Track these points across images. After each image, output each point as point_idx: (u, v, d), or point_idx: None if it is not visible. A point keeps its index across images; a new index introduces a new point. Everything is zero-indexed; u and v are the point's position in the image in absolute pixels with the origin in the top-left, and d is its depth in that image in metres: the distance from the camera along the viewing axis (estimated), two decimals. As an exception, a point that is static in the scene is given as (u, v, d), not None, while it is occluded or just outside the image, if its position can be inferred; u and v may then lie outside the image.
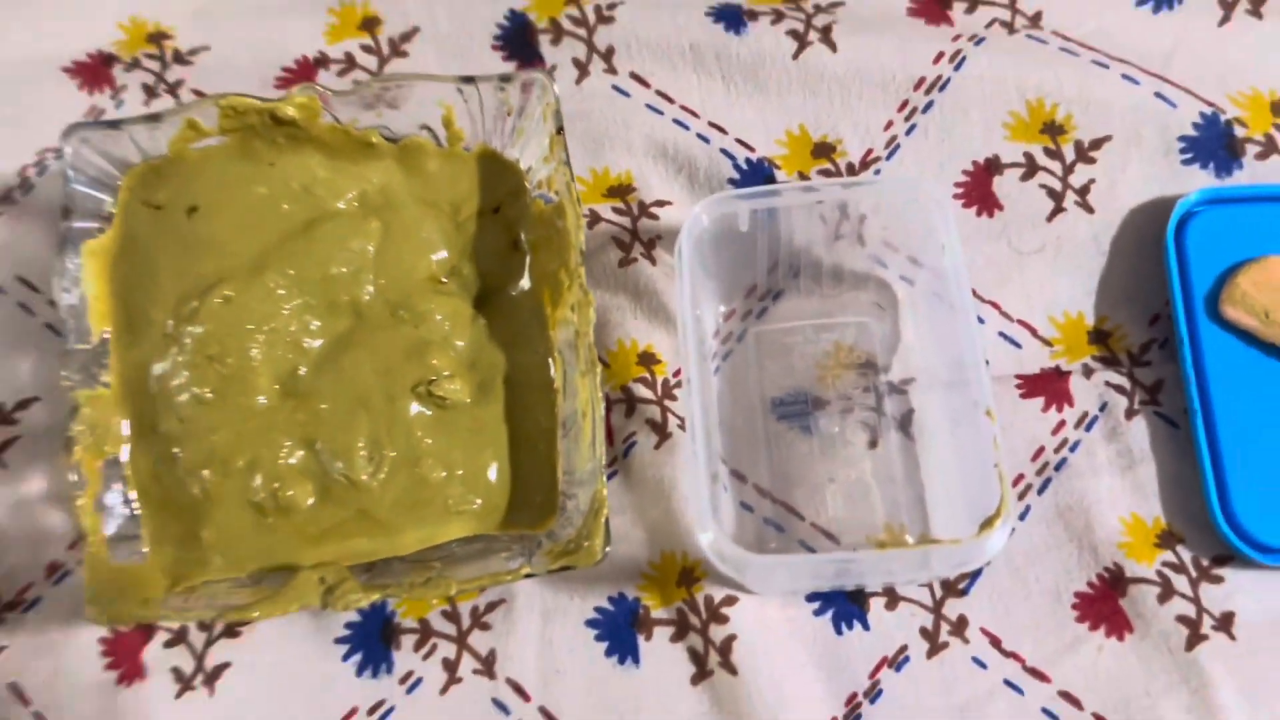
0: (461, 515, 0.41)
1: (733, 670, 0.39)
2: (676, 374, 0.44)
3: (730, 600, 0.40)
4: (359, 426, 0.40)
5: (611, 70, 0.47)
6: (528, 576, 0.37)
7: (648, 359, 0.44)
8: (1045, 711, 0.39)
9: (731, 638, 0.39)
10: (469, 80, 0.41)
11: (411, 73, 0.41)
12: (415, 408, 0.41)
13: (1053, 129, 0.45)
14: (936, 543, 0.36)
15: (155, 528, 0.40)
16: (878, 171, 0.46)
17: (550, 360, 0.41)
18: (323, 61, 0.48)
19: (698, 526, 0.37)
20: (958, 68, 0.46)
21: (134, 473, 0.41)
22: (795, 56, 0.46)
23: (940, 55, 0.46)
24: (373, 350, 0.41)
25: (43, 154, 0.47)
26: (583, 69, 0.47)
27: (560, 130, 0.41)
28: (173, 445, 0.40)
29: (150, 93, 0.48)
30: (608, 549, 0.36)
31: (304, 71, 0.48)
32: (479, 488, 0.41)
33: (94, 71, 0.48)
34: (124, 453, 0.40)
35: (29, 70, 0.48)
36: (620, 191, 0.46)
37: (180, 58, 0.49)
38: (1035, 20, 0.47)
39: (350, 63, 0.48)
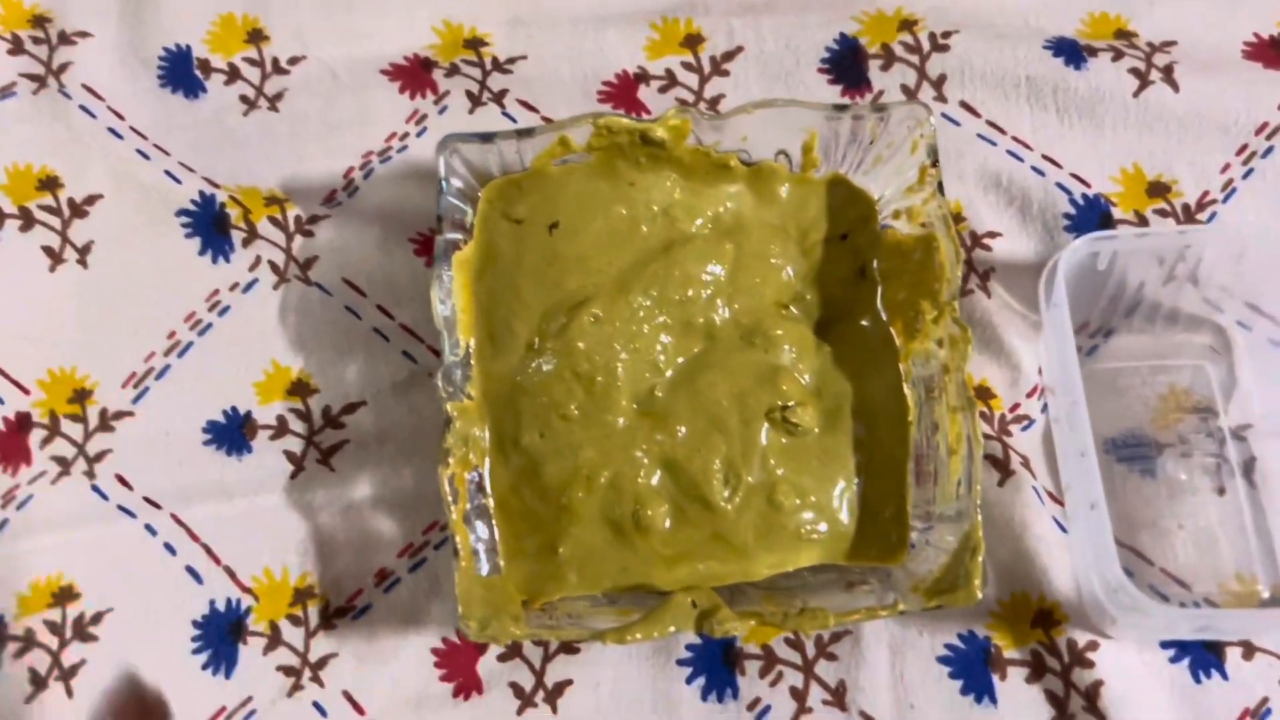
0: (811, 543, 0.40)
1: (1100, 715, 0.39)
2: (1013, 409, 0.44)
3: (1093, 645, 0.40)
4: (715, 449, 0.40)
5: (941, 98, 0.47)
6: (902, 613, 0.36)
7: (983, 393, 0.44)
8: None
9: (1098, 683, 0.39)
10: (843, 108, 0.41)
11: (787, 99, 0.40)
12: (767, 433, 0.41)
13: (1392, 180, 0.45)
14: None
15: (512, 542, 0.40)
16: (1213, 215, 0.45)
17: (903, 392, 0.41)
18: (643, 77, 0.48)
19: (1088, 568, 0.37)
20: (1301, 114, 0.45)
21: (493, 486, 0.41)
22: (1136, 94, 0.46)
23: (1284, 101, 0.45)
24: (726, 373, 0.41)
25: (368, 156, 0.47)
26: (912, 96, 0.47)
27: (935, 163, 0.40)
28: (535, 459, 0.40)
29: (474, 99, 0.48)
30: (984, 592, 0.36)
31: (625, 87, 0.48)
32: (827, 516, 0.41)
33: (414, 75, 0.48)
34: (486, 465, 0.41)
35: (347, 73, 0.48)
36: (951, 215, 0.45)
37: (499, 65, 0.49)
38: (1374, 69, 0.47)
39: (671, 80, 0.48)
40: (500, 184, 0.42)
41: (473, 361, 0.41)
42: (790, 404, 0.41)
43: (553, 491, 0.40)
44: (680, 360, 0.42)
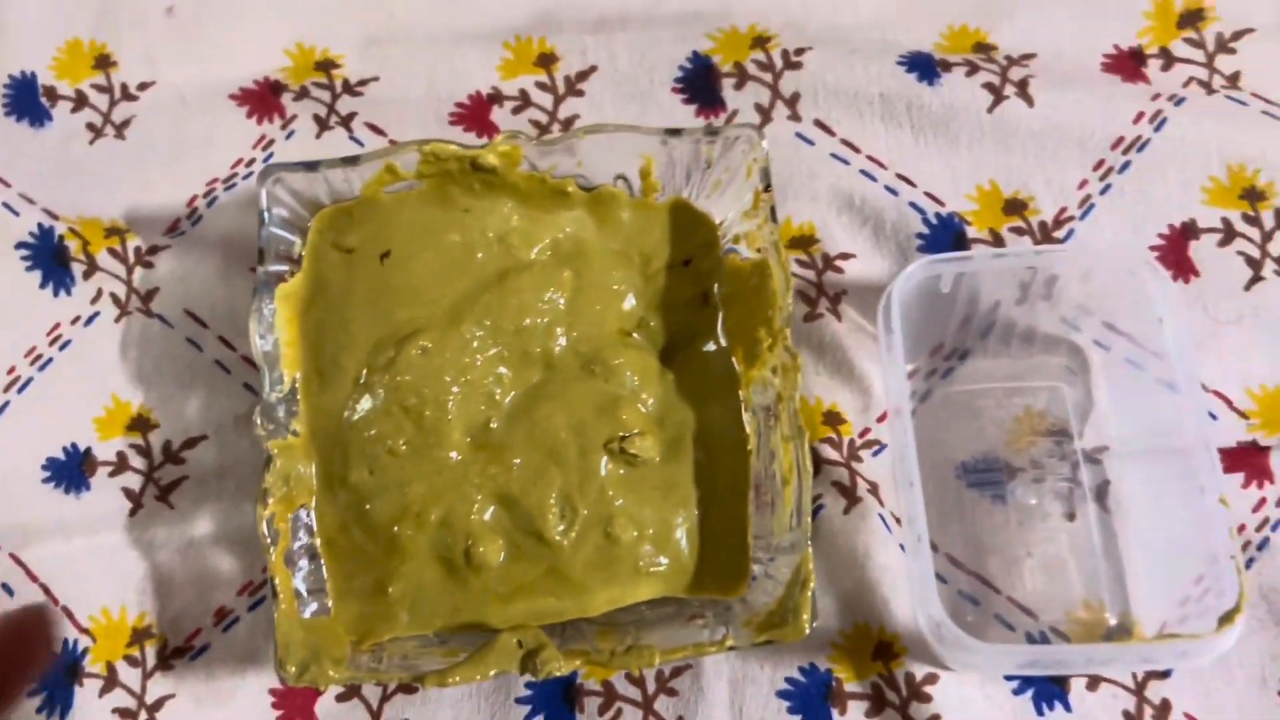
0: (650, 576, 0.40)
1: (936, 750, 0.38)
2: (863, 434, 0.43)
3: (932, 678, 0.39)
4: (551, 482, 0.39)
5: (795, 117, 0.46)
6: (731, 649, 0.36)
7: (833, 418, 0.43)
8: (1254, 803, 0.38)
9: (935, 717, 0.38)
10: (675, 133, 0.40)
11: (618, 123, 0.40)
12: (606, 464, 0.40)
13: (1252, 194, 0.44)
14: (1173, 637, 0.35)
15: (339, 581, 0.40)
16: (1070, 232, 0.44)
17: (742, 419, 0.40)
18: (496, 98, 0.47)
19: (917, 605, 0.36)
20: (1158, 128, 0.44)
21: (320, 524, 0.40)
22: (990, 110, 0.45)
23: (1141, 115, 0.44)
24: (564, 403, 0.40)
25: (212, 184, 0.46)
26: (766, 115, 0.46)
27: (768, 187, 0.40)
28: (363, 496, 0.39)
29: (322, 124, 0.47)
30: (814, 624, 0.35)
31: (478, 108, 0.47)
32: (668, 548, 0.40)
33: (262, 99, 0.48)
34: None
35: (196, 98, 0.48)
36: (803, 243, 0.45)
37: (350, 88, 0.48)
38: (1233, 80, 0.46)
39: (525, 100, 0.47)
40: (330, 213, 0.41)
41: (299, 397, 0.40)
42: (630, 434, 0.40)
43: (382, 529, 0.39)
44: (517, 391, 0.41)
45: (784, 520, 0.38)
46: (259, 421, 0.38)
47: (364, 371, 0.40)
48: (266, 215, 0.40)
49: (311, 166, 0.40)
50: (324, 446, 0.40)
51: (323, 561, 0.40)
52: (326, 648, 0.37)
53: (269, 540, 0.37)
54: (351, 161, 0.40)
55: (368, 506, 0.39)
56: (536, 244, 0.42)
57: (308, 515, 0.40)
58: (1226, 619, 0.34)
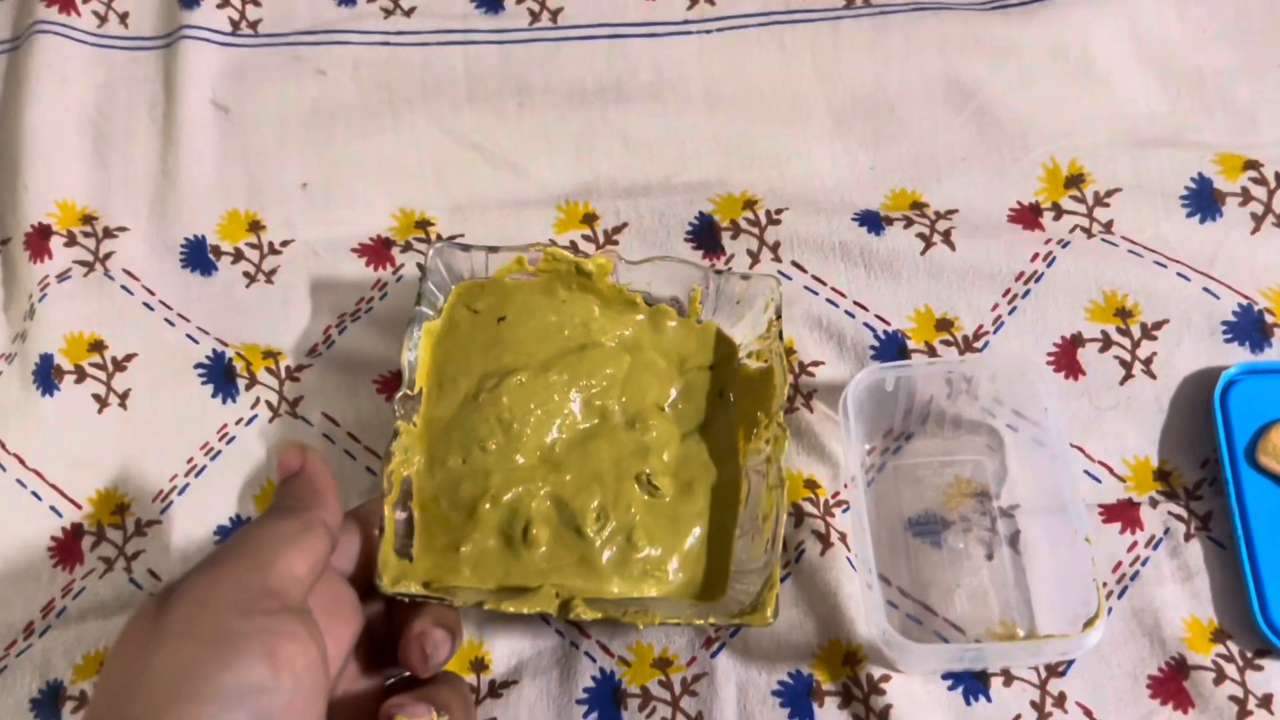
0: (654, 579, 0.52)
1: (890, 731, 0.51)
2: (834, 496, 0.56)
3: (886, 677, 0.52)
4: (594, 495, 0.53)
5: (777, 259, 0.61)
6: (711, 624, 0.48)
7: (811, 485, 0.57)
8: (1128, 769, 0.51)
9: (888, 707, 0.51)
10: (719, 272, 0.55)
11: (681, 257, 0.56)
12: (635, 491, 0.54)
13: (1123, 313, 0.58)
14: (1051, 637, 0.49)
15: (424, 539, 0.52)
16: (987, 343, 0.59)
17: (739, 479, 0.54)
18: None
19: (869, 621, 0.49)
20: (1049, 264, 0.59)
21: (418, 493, 0.53)
22: (923, 253, 0.60)
23: (1036, 255, 0.59)
24: (611, 443, 0.55)
25: (341, 317, 0.61)
26: (755, 258, 0.61)
27: (779, 317, 0.54)
28: (456, 477, 0.53)
29: (424, 270, 0.62)
30: (774, 618, 0.47)
31: (539, 256, 0.62)
32: (670, 560, 0.53)
33: (376, 252, 0.63)
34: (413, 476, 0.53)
35: (326, 251, 0.63)
36: (785, 354, 0.59)
37: (443, 240, 0.63)
38: (1108, 227, 0.60)
39: (574, 249, 0.62)
40: (468, 284, 0.57)
41: (422, 399, 0.55)
42: (654, 473, 0.54)
43: (465, 503, 0.52)
44: (579, 427, 0.55)
45: (759, 547, 0.50)
46: (396, 407, 0.52)
47: (473, 391, 0.55)
48: (425, 272, 0.55)
49: (465, 247, 0.56)
50: (433, 438, 0.54)
51: (415, 522, 0.52)
52: (410, 577, 0.50)
53: (387, 488, 0.50)
54: (493, 250, 0.56)
55: (458, 485, 0.52)
56: (609, 333, 0.57)
57: (410, 485, 0.53)
58: (1089, 623, 0.47)
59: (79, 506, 0.58)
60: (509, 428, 0.54)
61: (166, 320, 0.62)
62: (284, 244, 0.63)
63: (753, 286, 0.56)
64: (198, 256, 0.63)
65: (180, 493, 0.58)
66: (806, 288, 0.60)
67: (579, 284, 0.57)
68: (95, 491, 0.58)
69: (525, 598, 0.49)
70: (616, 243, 0.62)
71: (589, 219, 0.63)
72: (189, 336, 0.61)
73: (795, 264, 0.61)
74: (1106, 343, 0.58)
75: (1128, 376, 0.57)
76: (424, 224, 0.64)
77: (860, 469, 0.52)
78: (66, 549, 0.57)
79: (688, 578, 0.53)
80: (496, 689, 0.54)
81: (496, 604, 0.48)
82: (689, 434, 0.56)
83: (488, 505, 0.52)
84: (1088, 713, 0.52)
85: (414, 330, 0.54)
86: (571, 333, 0.57)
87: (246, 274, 0.63)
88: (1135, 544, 0.54)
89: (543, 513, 0.53)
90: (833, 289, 0.60)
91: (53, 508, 0.58)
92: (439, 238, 0.63)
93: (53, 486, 0.58)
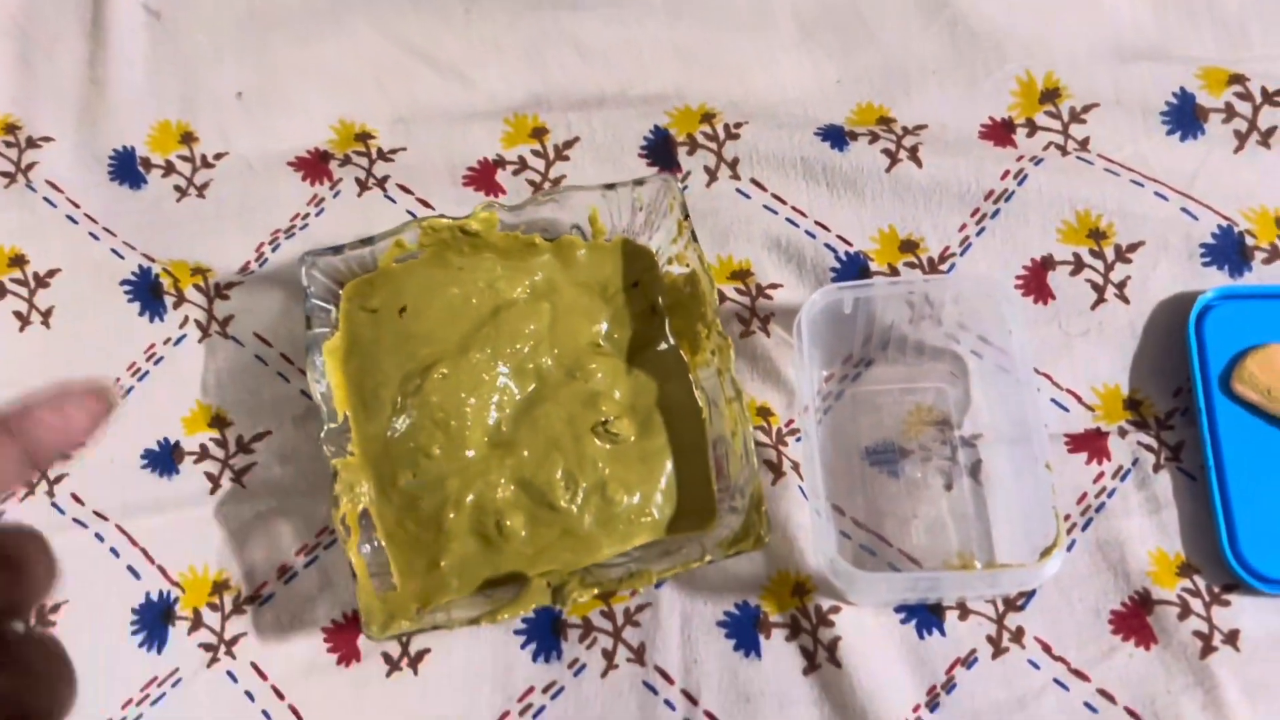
0: (642, 526, 0.51)
1: (837, 664, 0.49)
2: (788, 424, 0.54)
3: (835, 609, 0.50)
4: (555, 463, 0.51)
5: (736, 176, 0.58)
6: (710, 562, 0.46)
7: (764, 412, 0.54)
8: (1086, 705, 0.49)
9: (837, 639, 0.49)
10: (610, 186, 0.52)
11: (566, 185, 0.52)
12: (595, 444, 0.51)
13: (1097, 234, 0.56)
14: (1006, 566, 0.46)
15: (402, 564, 0.50)
16: (953, 265, 0.56)
17: (694, 395, 0.52)
18: (500, 163, 0.59)
19: (817, 550, 0.47)
20: (1020, 183, 0.56)
21: (380, 521, 0.51)
22: (888, 170, 0.57)
23: (1007, 172, 0.56)
24: (556, 403, 0.52)
25: (275, 234, 0.58)
26: (712, 175, 0.58)
27: (686, 216, 0.51)
28: (413, 496, 0.50)
29: (362, 185, 0.59)
30: (768, 536, 0.46)
31: (485, 171, 0.59)
32: (651, 503, 0.51)
33: (314, 166, 0.60)
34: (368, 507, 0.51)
35: (261, 165, 0.60)
36: (741, 275, 0.56)
37: (383, 155, 0.60)
38: (1084, 144, 0.58)
39: (522, 164, 0.59)
40: (356, 283, 0.53)
41: (351, 426, 0.51)
42: (610, 419, 0.51)
43: (430, 519, 0.50)
44: (518, 399, 0.53)
45: (736, 463, 0.48)
46: (325, 446, 0.49)
47: (398, 399, 0.51)
48: (308, 292, 0.51)
49: (337, 250, 0.51)
50: (375, 461, 0.51)
51: (386, 552, 0.50)
52: (399, 611, 0.47)
53: (345, 534, 0.47)
54: (368, 242, 0.51)
55: (417, 503, 0.50)
56: (518, 286, 0.54)
57: (369, 515, 0.50)
58: (1046, 553, 0.45)
59: (-3, 426, 0.55)
60: (447, 427, 0.51)
61: (91, 234, 0.59)
62: (217, 157, 0.61)
63: (649, 191, 0.52)
64: (126, 169, 0.61)
65: (104, 414, 0.55)
66: (766, 206, 0.57)
67: (470, 245, 0.53)
68: (15, 413, 0.55)
69: (518, 599, 0.47)
70: (567, 158, 0.59)
71: (538, 133, 0.60)
72: (114, 251, 0.58)
73: (754, 181, 0.58)
74: (1078, 265, 0.55)
75: (1100, 301, 0.55)
76: (364, 136, 0.60)
77: (816, 396, 0.50)
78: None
79: (674, 510, 0.51)
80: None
81: (491, 617, 0.46)
82: (633, 360, 0.53)
83: (452, 514, 0.50)
84: (1046, 648, 0.50)
85: (315, 358, 0.50)
86: (479, 300, 0.53)
87: (178, 187, 0.60)
88: (1102, 474, 0.52)
89: (510, 500, 0.50)
90: (793, 208, 0.57)
91: (-30, 429, 0.55)
92: (379, 153, 0.60)
93: (-30, 407, 0.56)
